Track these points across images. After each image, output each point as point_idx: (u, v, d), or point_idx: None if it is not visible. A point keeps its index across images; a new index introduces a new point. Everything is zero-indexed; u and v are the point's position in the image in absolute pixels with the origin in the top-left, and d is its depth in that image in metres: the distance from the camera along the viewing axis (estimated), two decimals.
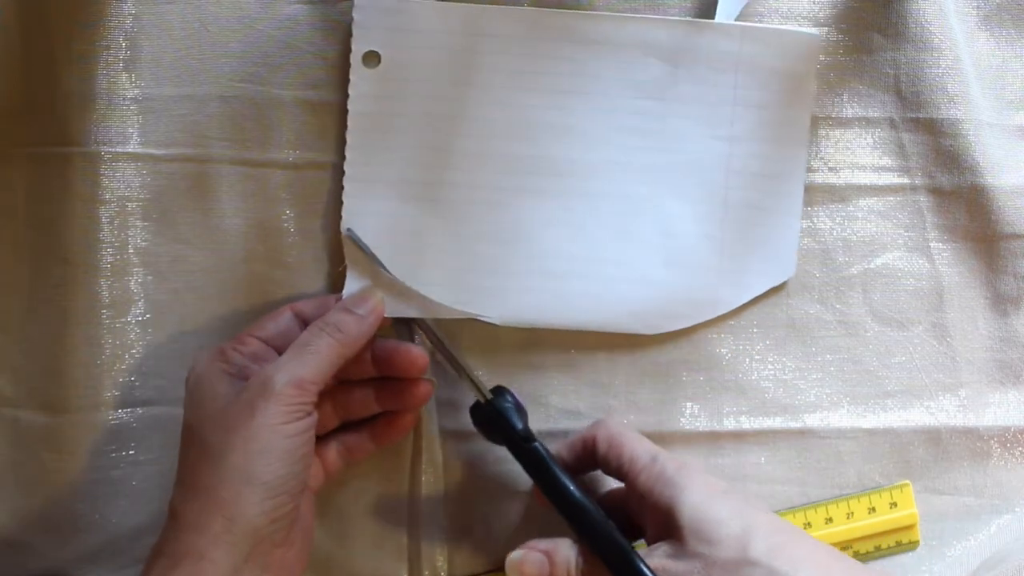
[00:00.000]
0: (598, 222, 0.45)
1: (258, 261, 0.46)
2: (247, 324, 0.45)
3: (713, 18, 0.45)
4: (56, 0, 0.44)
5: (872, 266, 0.47)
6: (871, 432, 0.47)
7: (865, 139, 0.47)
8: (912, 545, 0.47)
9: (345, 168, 0.45)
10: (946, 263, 0.48)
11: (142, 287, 0.46)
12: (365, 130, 0.45)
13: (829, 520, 0.46)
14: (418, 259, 0.45)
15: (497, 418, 0.43)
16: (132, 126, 0.45)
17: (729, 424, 0.47)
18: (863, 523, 0.46)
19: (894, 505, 0.47)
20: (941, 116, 0.47)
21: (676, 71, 0.45)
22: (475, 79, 0.45)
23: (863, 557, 0.46)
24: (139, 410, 0.46)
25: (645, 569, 0.38)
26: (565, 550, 0.41)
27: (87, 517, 0.45)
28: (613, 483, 0.44)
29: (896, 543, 0.47)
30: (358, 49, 0.44)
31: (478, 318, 0.45)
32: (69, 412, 0.45)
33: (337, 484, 0.46)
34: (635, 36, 0.45)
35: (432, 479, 0.46)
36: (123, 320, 0.45)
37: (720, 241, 0.46)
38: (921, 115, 0.47)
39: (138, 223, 0.45)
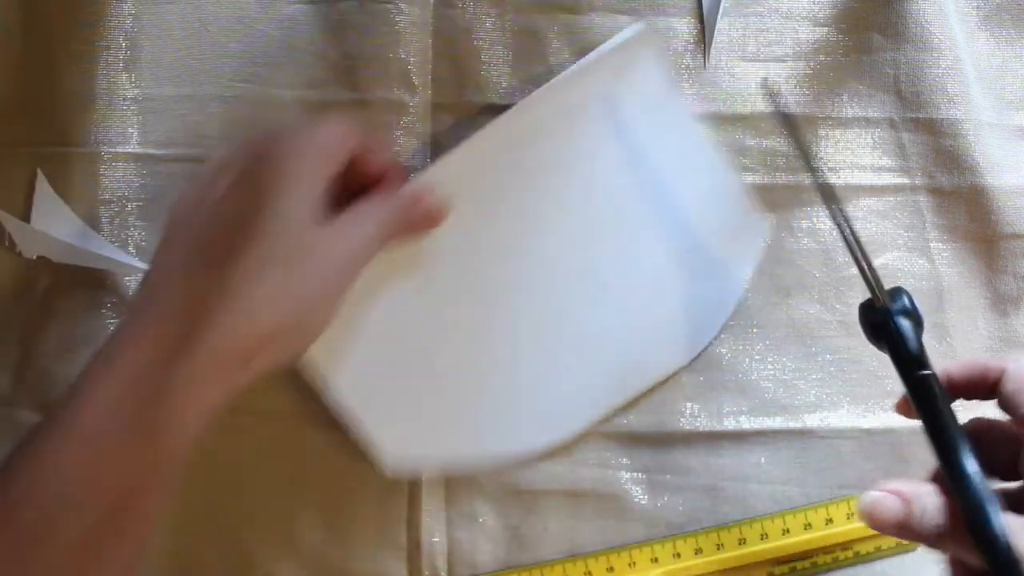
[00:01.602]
0: (559, 338, 0.45)
1: None
2: None
3: (704, 13, 0.46)
4: (56, 0, 0.45)
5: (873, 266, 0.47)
6: (871, 432, 0.47)
7: (865, 139, 0.47)
8: (912, 546, 0.47)
9: None
10: (946, 263, 0.48)
11: None
12: None
13: (829, 521, 0.46)
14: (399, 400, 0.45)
15: (887, 330, 0.38)
16: (132, 126, 0.45)
17: (729, 424, 0.47)
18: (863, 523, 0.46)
19: None
20: (941, 116, 0.47)
21: (569, 142, 0.45)
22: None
23: (864, 558, 0.46)
24: None
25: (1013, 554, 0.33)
26: (925, 498, 0.36)
27: None
28: None
29: (897, 544, 0.46)
30: None
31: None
32: None
33: (337, 484, 0.46)
34: (519, 129, 0.44)
35: (432, 479, 0.46)
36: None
37: (674, 290, 0.46)
38: (921, 115, 0.47)
39: (138, 223, 0.45)
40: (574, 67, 0.44)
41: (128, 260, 0.45)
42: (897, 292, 0.39)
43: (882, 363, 0.47)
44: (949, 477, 0.36)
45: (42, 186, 0.44)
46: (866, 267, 0.39)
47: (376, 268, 0.40)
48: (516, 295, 0.45)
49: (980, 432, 0.37)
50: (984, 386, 0.38)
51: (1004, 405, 0.38)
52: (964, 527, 0.34)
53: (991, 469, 0.36)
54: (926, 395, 0.37)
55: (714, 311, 0.46)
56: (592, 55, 0.45)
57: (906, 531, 0.36)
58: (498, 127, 0.44)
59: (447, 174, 0.44)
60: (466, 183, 0.44)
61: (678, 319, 0.46)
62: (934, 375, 0.37)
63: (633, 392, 0.46)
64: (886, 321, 0.38)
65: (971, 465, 0.35)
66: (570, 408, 0.46)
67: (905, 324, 0.38)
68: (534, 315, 0.45)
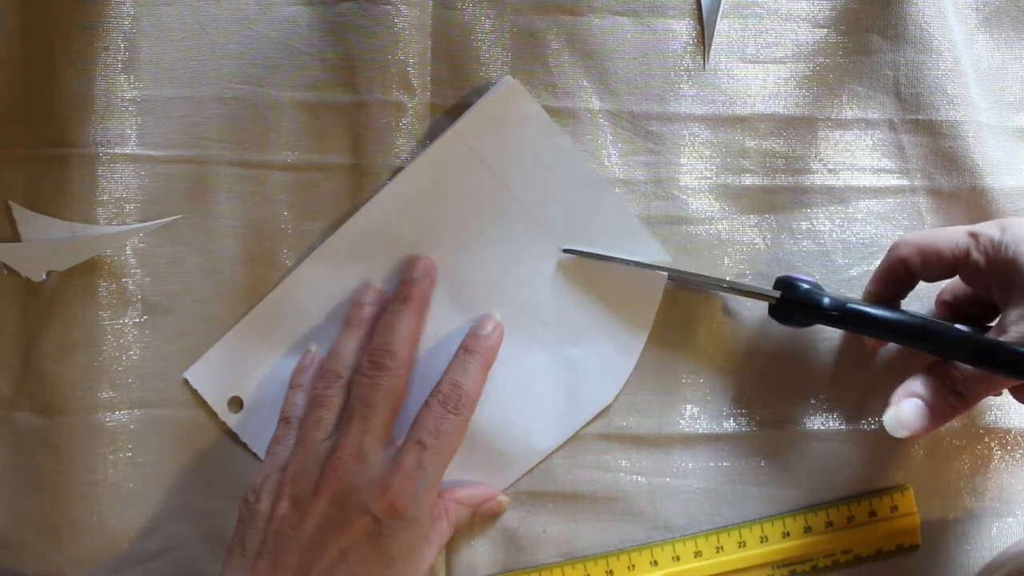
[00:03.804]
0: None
1: (256, 263, 0.46)
2: None
3: (704, 14, 0.46)
4: (55, 2, 0.45)
5: (872, 268, 0.47)
6: (871, 434, 0.47)
7: (864, 141, 0.47)
8: (913, 549, 0.47)
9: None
10: None
11: (140, 288, 0.45)
12: None
13: (830, 524, 0.46)
14: None
15: (803, 305, 0.43)
16: (130, 127, 0.45)
17: (729, 426, 0.47)
18: (864, 526, 0.46)
19: (895, 508, 0.46)
20: (940, 118, 0.47)
21: (461, 200, 0.45)
22: None
23: (863, 560, 0.46)
24: (136, 412, 0.46)
25: (1015, 347, 0.38)
26: (929, 380, 0.41)
27: (84, 519, 0.45)
28: None
29: (897, 546, 0.46)
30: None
31: None
32: (66, 414, 0.45)
33: None
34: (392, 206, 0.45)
35: None
36: (121, 322, 0.45)
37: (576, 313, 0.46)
38: (920, 117, 0.47)
39: (136, 224, 0.45)
40: (450, 129, 0.45)
41: (129, 228, 0.45)
42: (783, 281, 0.44)
43: (883, 365, 0.47)
44: (937, 348, 0.41)
45: (18, 212, 0.45)
46: (743, 291, 0.45)
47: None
48: (426, 352, 0.46)
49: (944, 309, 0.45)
50: (903, 279, 0.44)
51: (927, 278, 0.43)
52: (971, 381, 0.40)
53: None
54: (862, 318, 0.42)
55: (628, 339, 0.46)
56: (465, 115, 0.45)
57: (937, 417, 0.40)
58: (389, 193, 0.45)
59: (348, 237, 0.45)
60: (368, 247, 0.45)
61: (596, 356, 0.46)
62: (855, 301, 0.43)
63: (569, 431, 0.46)
64: (794, 304, 0.43)
65: (945, 325, 0.41)
66: (501, 455, 0.46)
67: (809, 292, 0.43)
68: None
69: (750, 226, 0.47)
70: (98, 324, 0.45)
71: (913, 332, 0.41)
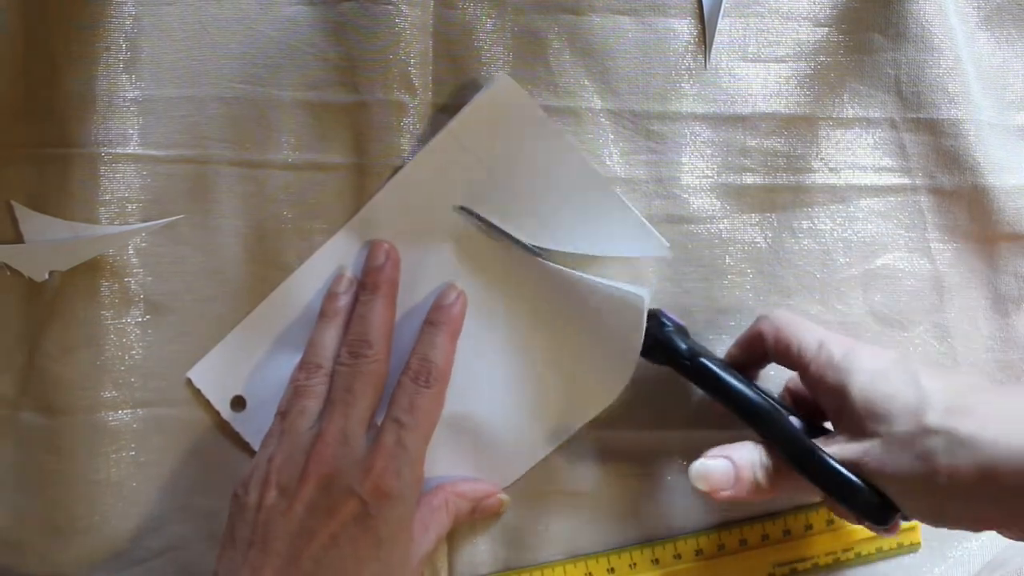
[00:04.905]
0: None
1: (257, 262, 0.46)
2: None
3: (705, 13, 0.46)
4: (56, 2, 0.45)
5: (873, 267, 0.47)
6: None
7: (866, 139, 0.47)
8: (914, 547, 0.47)
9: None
10: (947, 263, 0.47)
11: (142, 288, 0.46)
12: None
13: (830, 522, 0.46)
14: None
15: (660, 344, 0.43)
16: (132, 127, 0.45)
17: (730, 426, 0.47)
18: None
19: None
20: (942, 116, 0.47)
21: (455, 199, 0.45)
22: None
23: (865, 559, 0.46)
24: (139, 411, 0.46)
25: (828, 459, 0.38)
26: (748, 452, 0.41)
27: (87, 519, 0.45)
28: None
29: (898, 545, 0.46)
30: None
31: None
32: (68, 413, 0.45)
33: None
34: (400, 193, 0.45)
35: None
36: (123, 321, 0.45)
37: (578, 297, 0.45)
38: (922, 115, 0.47)
39: (138, 224, 0.45)
40: (445, 129, 0.45)
41: (131, 228, 0.45)
42: (655, 315, 0.44)
43: None
44: (762, 431, 0.41)
45: (20, 212, 0.45)
46: None
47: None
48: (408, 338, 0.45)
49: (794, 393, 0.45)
50: (760, 352, 0.43)
51: (776, 361, 0.43)
52: (784, 472, 0.40)
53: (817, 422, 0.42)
54: (708, 376, 0.42)
55: (628, 338, 0.45)
56: (460, 114, 0.45)
57: (739, 488, 0.40)
58: (387, 194, 0.45)
59: (349, 237, 0.45)
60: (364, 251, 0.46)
61: (597, 355, 0.46)
62: (710, 359, 0.43)
63: (571, 430, 0.46)
64: (653, 338, 0.43)
65: (778, 414, 0.41)
66: (500, 454, 0.46)
67: (670, 332, 0.43)
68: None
69: (751, 225, 0.47)
70: (100, 323, 0.45)
71: (746, 410, 0.41)
